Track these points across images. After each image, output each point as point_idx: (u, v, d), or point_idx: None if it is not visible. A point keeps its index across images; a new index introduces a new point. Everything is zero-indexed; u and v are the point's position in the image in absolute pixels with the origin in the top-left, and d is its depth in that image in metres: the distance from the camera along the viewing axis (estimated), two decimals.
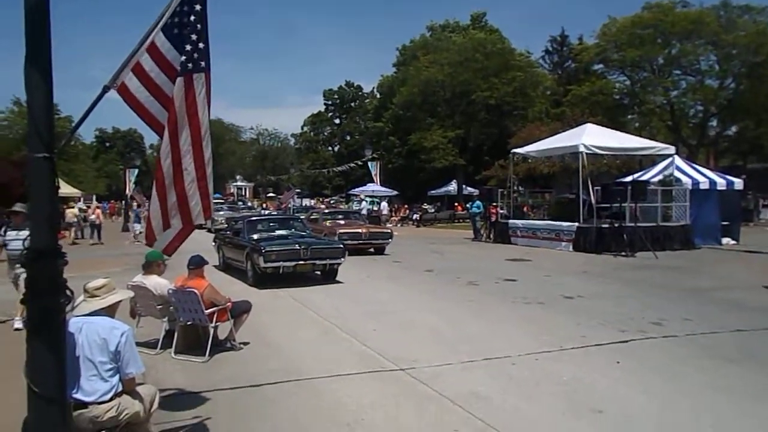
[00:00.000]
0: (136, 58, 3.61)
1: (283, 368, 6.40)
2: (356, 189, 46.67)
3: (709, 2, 39.64)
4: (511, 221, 22.81)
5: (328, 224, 20.02)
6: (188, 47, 3.84)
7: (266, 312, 9.25)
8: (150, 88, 3.74)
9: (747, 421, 4.88)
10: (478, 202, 26.15)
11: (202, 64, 3.92)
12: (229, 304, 7.26)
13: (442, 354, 6.84)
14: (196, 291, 6.90)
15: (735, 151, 46.47)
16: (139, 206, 32.12)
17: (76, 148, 64.09)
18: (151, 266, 7.36)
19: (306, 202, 53.16)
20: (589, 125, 22.57)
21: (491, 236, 23.85)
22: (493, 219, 24.23)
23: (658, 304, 9.96)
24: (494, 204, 24.77)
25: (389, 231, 20.50)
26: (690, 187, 20.70)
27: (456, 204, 43.89)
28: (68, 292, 2.96)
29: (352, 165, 50.05)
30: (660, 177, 21.50)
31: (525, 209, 24.82)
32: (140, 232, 24.03)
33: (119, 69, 3.53)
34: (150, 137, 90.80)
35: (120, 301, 4.27)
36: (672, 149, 21.79)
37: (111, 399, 3.84)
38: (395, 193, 45.10)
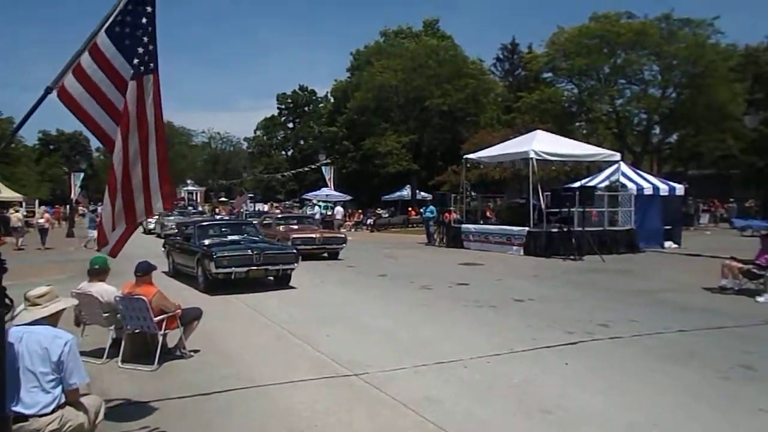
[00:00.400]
0: (78, 59, 3.48)
1: (235, 375, 6.29)
2: (310, 193, 46.49)
3: (653, 14, 41.16)
4: (463, 226, 23.05)
5: (281, 229, 19.83)
6: (140, 50, 3.77)
7: (218, 319, 9.09)
8: (91, 91, 3.61)
9: (689, 419, 5.06)
10: (431, 207, 26.39)
11: (151, 65, 3.85)
12: (178, 311, 7.10)
13: (395, 358, 6.86)
14: (144, 298, 6.72)
15: (676, 158, 48.27)
16: (93, 211, 31.23)
17: (18, 150, 61.72)
18: (96, 273, 7.14)
19: (259, 206, 52.54)
20: (539, 132, 23.03)
21: (444, 241, 24.07)
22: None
23: (605, 306, 10.23)
24: (450, 209, 25.05)
25: (343, 236, 20.45)
26: (635, 192, 21.40)
27: (410, 209, 44.15)
28: (8, 301, 2.85)
29: (306, 169, 49.82)
30: (606, 183, 22.14)
31: (488, 213, 25.23)
32: (93, 239, 23.42)
33: (62, 70, 3.41)
34: (97, 140, 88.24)
35: (63, 309, 4.12)
36: (617, 156, 22.46)
37: (53, 411, 3.70)
38: (349, 197, 45.11)
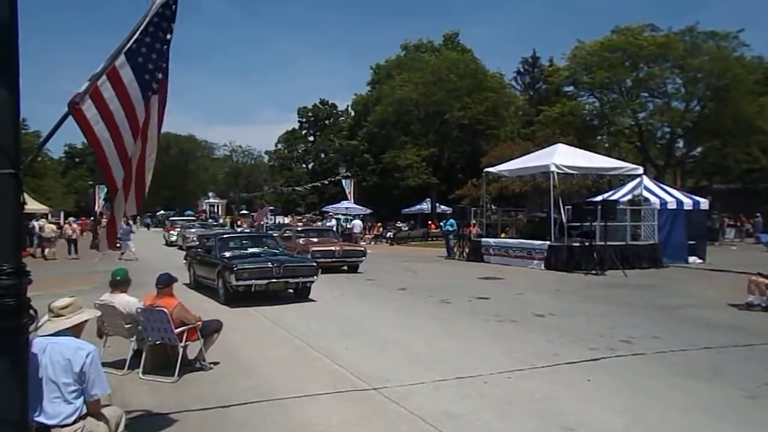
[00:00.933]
0: (96, 81, 3.46)
1: (254, 388, 6.31)
2: (330, 206, 46.58)
3: (677, 27, 40.77)
4: (483, 239, 22.96)
5: (301, 242, 19.92)
6: (162, 64, 3.84)
7: (237, 331, 9.14)
8: (104, 117, 3.56)
9: None
10: (451, 221, 26.33)
11: (162, 75, 3.92)
12: (199, 323, 7.15)
13: (414, 373, 6.82)
14: (165, 310, 6.78)
15: (700, 171, 47.62)
16: (127, 223, 31.72)
17: (44, 163, 62.89)
18: (118, 284, 7.22)
19: (279, 219, 52.82)
20: (560, 145, 22.92)
21: (464, 254, 23.97)
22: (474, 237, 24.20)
23: (627, 322, 10.09)
24: (472, 222, 24.93)
25: (363, 249, 20.49)
26: (658, 206, 21.12)
27: (429, 222, 44.05)
28: (32, 312, 2.89)
29: (327, 182, 50.02)
30: (629, 197, 21.90)
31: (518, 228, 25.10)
32: (130, 250, 23.99)
33: (85, 89, 3.39)
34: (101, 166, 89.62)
35: (86, 320, 4.18)
36: (640, 169, 22.23)
37: (75, 422, 3.74)
38: (369, 211, 45.14)
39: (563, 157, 20.67)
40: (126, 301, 7.14)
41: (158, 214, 72.96)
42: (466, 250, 24.04)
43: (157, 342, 6.98)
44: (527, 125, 48.27)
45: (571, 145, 25.27)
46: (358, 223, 35.92)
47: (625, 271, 17.41)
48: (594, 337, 8.83)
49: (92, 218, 40.64)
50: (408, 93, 47.11)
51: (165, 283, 7.22)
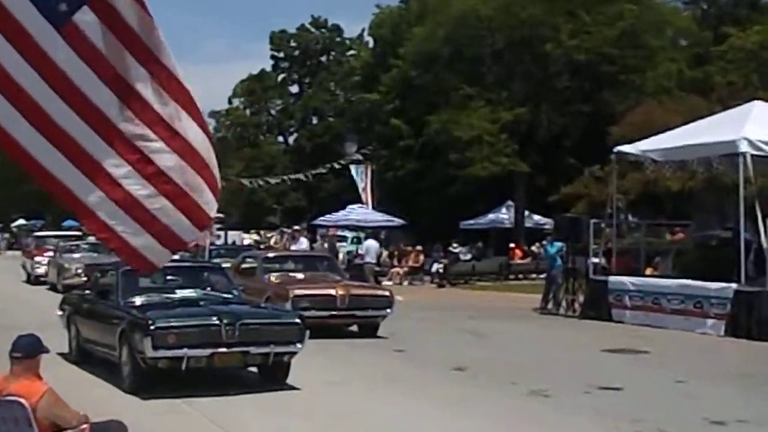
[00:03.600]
0: None
1: None
2: (328, 216, 46.02)
3: None
4: (611, 278, 22.84)
5: (274, 280, 20.01)
6: None
7: None
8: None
9: None
10: (558, 244, 26.11)
11: None
12: (84, 426, 7.23)
13: None
14: (22, 401, 6.87)
15: None
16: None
17: None
18: None
19: (238, 237, 53.04)
20: (757, 104, 22.81)
21: (576, 306, 23.86)
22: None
23: None
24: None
25: (387, 294, 20.47)
26: None
27: (512, 245, 43.85)
28: None
29: (323, 170, 50.07)
30: None
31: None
32: None
33: None
34: None
35: None
36: None
37: None
38: (399, 222, 44.66)
39: (763, 126, 20.51)
40: None
41: (14, 226, 73.87)
42: (580, 297, 23.93)
43: None
44: (697, 64, 47.97)
45: None
46: (372, 246, 35.39)
47: None
48: None
49: None
50: (474, 6, 47.10)
51: (26, 352, 7.29)
